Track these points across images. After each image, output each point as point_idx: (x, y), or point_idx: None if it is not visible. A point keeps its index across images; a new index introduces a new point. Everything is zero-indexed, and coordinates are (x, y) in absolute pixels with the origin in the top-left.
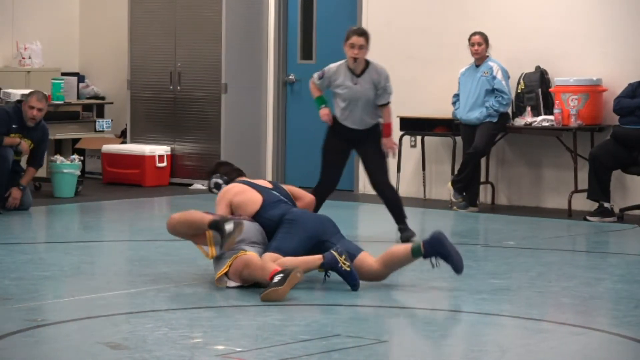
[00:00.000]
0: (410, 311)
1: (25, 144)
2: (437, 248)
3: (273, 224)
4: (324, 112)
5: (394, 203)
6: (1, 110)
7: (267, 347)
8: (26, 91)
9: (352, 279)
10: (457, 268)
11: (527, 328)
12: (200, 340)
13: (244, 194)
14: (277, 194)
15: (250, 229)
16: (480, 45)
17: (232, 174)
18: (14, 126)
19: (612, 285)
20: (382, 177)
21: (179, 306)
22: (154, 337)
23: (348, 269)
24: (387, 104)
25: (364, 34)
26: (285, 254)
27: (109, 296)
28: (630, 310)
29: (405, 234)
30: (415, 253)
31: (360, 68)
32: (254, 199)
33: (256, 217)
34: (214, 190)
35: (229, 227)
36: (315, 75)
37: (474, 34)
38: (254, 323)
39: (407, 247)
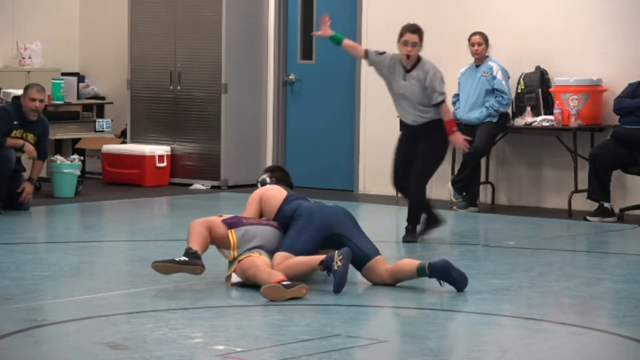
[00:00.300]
0: (410, 311)
1: (30, 146)
2: (441, 275)
3: (286, 220)
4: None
5: (411, 205)
6: (1, 110)
7: (267, 347)
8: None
9: (336, 279)
10: (460, 289)
11: (527, 328)
12: (201, 340)
13: (272, 190)
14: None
15: (272, 236)
16: (480, 45)
17: (281, 182)
18: (15, 122)
19: (613, 285)
20: (414, 182)
21: (179, 306)
22: (154, 337)
23: (336, 267)
24: (440, 103)
25: (417, 30)
26: (295, 253)
27: (109, 296)
28: (630, 310)
29: (407, 237)
30: (420, 273)
31: (411, 64)
32: (278, 195)
33: (277, 214)
34: (259, 184)
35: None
36: (374, 50)
37: (474, 34)
38: (254, 323)
39: (413, 264)
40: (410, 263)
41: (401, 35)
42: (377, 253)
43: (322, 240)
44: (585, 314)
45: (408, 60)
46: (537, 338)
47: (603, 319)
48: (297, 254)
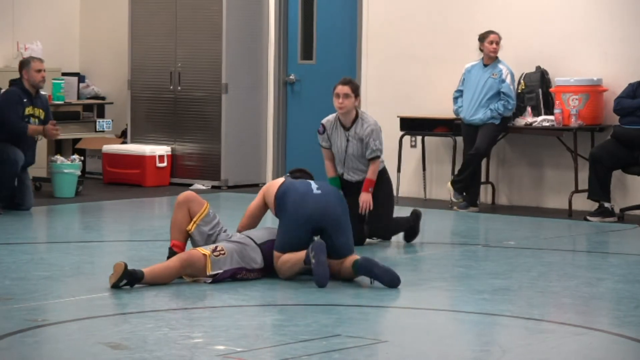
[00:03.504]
0: (411, 311)
1: (52, 129)
2: (365, 272)
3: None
4: None
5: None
6: (9, 91)
7: (267, 347)
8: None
9: (314, 276)
10: (389, 285)
11: (528, 328)
12: (201, 340)
13: (272, 182)
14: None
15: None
16: (498, 44)
17: (297, 176)
18: (24, 100)
19: (613, 285)
20: (383, 222)
21: (179, 306)
22: (154, 337)
23: (312, 264)
24: (373, 158)
25: (349, 82)
26: (283, 251)
27: (110, 296)
28: (631, 311)
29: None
30: (354, 269)
31: (350, 121)
32: (275, 184)
33: (275, 203)
34: None
35: None
36: (321, 138)
37: (491, 32)
38: (254, 323)
39: (351, 260)
40: (350, 260)
41: (334, 88)
42: (351, 253)
43: (312, 231)
44: (586, 314)
45: (344, 115)
46: (537, 338)
47: (604, 319)
48: (284, 252)
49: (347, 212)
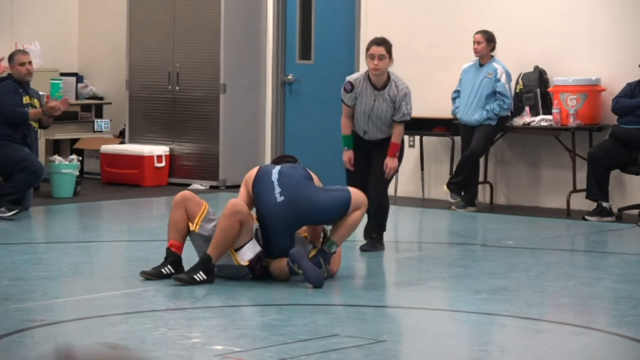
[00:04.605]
0: (409, 311)
1: (53, 106)
2: (295, 263)
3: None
4: (346, 155)
5: (379, 214)
6: (4, 83)
7: (265, 347)
8: None
9: (310, 281)
10: (314, 284)
11: (526, 328)
12: (199, 340)
13: (249, 173)
14: (277, 177)
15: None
16: (480, 44)
17: (279, 161)
18: (20, 90)
19: (611, 285)
20: (378, 191)
21: (177, 306)
22: (152, 337)
23: (301, 272)
24: (401, 122)
25: (383, 43)
26: (273, 257)
27: (108, 296)
28: (629, 310)
29: (369, 246)
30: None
31: (382, 83)
32: (251, 174)
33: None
34: None
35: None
36: (346, 94)
37: (477, 32)
38: (252, 323)
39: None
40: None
41: (367, 49)
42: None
43: (287, 231)
44: (584, 314)
45: (377, 76)
46: (536, 338)
47: (602, 319)
48: (274, 257)
49: (313, 209)
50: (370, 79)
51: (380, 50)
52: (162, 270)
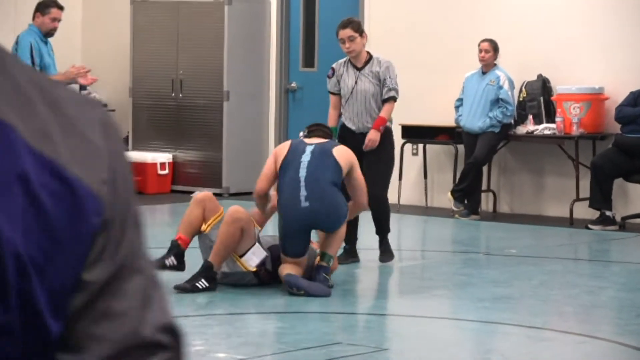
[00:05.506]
0: (412, 319)
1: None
2: (293, 287)
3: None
4: None
5: (380, 213)
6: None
7: (268, 355)
8: None
9: (315, 296)
10: (320, 296)
11: (529, 336)
12: (202, 347)
13: (281, 146)
14: (309, 157)
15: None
16: (487, 53)
17: (315, 132)
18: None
19: (615, 294)
20: (377, 189)
21: (181, 313)
22: None
23: (303, 293)
24: (389, 99)
25: (349, 24)
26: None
27: None
28: (632, 319)
29: (383, 258)
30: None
31: (362, 62)
32: (283, 148)
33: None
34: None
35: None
36: (330, 82)
37: (483, 40)
38: (255, 331)
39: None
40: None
41: (336, 34)
42: (340, 225)
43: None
44: (587, 323)
45: (355, 58)
46: (539, 346)
47: (605, 328)
48: (287, 255)
49: (338, 206)
50: (350, 61)
51: (347, 32)
52: (166, 262)
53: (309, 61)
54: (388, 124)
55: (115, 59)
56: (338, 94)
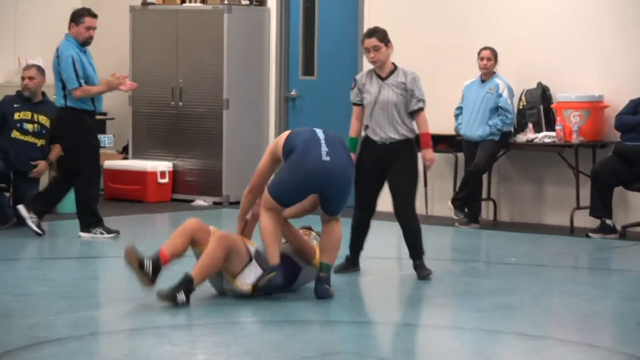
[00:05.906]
0: (413, 328)
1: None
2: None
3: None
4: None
5: (412, 235)
6: (5, 98)
7: None
8: None
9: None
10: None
11: (529, 345)
12: (202, 356)
13: (278, 138)
14: (319, 137)
15: None
16: (489, 61)
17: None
18: (15, 105)
19: (615, 303)
20: (405, 205)
21: (181, 323)
22: (156, 354)
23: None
24: (418, 110)
25: (374, 33)
26: (273, 195)
27: (111, 312)
28: (633, 328)
29: (421, 273)
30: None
31: (387, 72)
32: (282, 136)
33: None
34: None
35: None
36: (354, 94)
37: (484, 48)
38: (256, 340)
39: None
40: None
41: (362, 43)
42: (339, 213)
43: (310, 192)
44: (587, 331)
45: (379, 68)
46: (539, 355)
47: (605, 337)
48: (282, 204)
49: (352, 179)
50: (375, 71)
51: (372, 41)
52: (145, 262)
53: (308, 69)
54: (410, 134)
55: (115, 67)
56: (360, 104)
